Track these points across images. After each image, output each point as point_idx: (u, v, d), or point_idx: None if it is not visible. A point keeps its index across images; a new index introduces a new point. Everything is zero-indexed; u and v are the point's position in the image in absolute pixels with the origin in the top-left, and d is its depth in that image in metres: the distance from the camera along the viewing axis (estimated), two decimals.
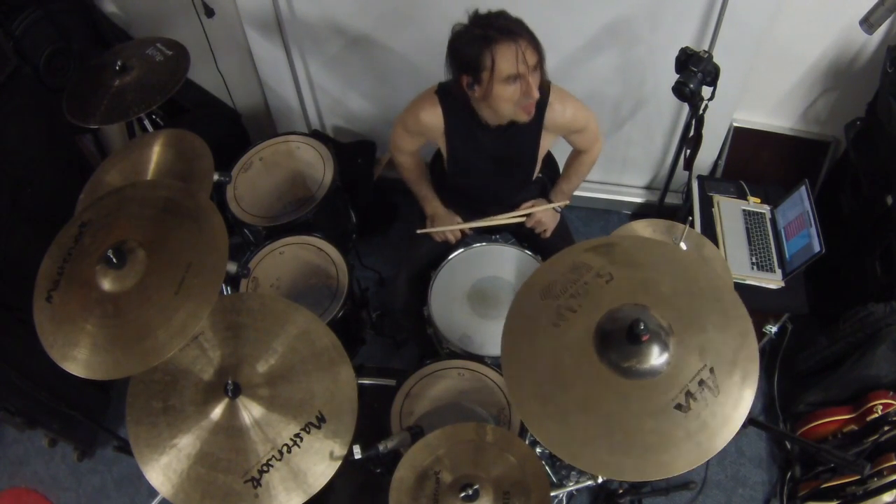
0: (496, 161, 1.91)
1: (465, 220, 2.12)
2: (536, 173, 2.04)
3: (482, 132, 1.83)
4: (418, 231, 2.10)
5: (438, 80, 2.56)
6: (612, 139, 2.73)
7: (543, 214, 2.09)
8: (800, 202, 2.30)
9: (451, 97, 1.78)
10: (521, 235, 2.24)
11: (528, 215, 2.09)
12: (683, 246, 1.85)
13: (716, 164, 2.75)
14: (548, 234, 2.11)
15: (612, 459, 1.15)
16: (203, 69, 2.67)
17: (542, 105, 1.77)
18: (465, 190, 2.07)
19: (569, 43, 2.36)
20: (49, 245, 1.47)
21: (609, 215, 3.04)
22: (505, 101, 1.65)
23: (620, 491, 2.13)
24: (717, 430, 1.14)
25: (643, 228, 1.92)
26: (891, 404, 2.01)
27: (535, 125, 1.81)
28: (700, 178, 2.57)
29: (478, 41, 1.57)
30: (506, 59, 1.56)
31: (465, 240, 2.18)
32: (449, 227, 2.08)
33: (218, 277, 1.36)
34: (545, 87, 1.76)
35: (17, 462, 2.51)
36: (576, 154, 2.05)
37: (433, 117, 1.83)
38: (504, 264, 2.05)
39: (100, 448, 2.52)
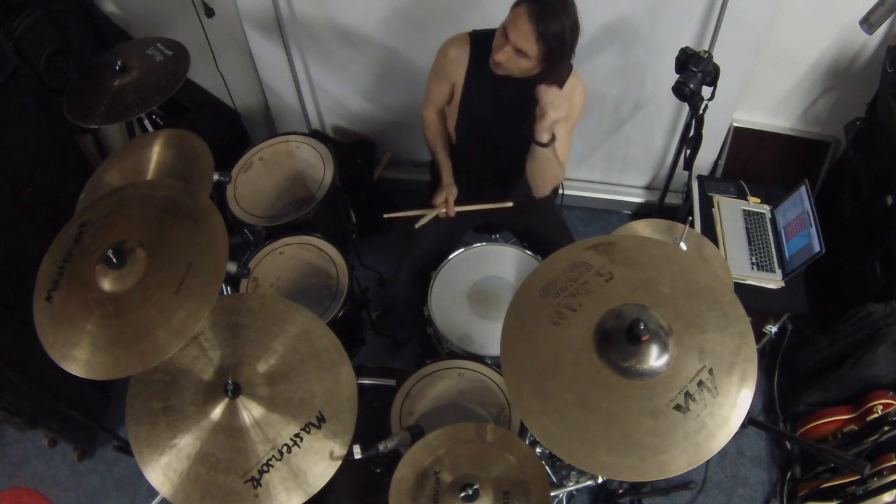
0: (503, 112, 1.95)
1: (463, 200, 2.10)
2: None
3: (500, 81, 1.87)
4: (385, 216, 2.12)
5: None
6: (612, 139, 2.74)
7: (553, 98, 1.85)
8: (800, 202, 2.30)
9: (481, 42, 1.89)
10: (521, 235, 2.24)
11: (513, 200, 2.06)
12: (683, 246, 1.85)
13: (716, 164, 2.75)
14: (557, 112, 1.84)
15: (611, 459, 1.15)
16: (203, 69, 2.67)
17: (564, 76, 1.88)
18: (469, 158, 2.09)
19: None
20: (49, 245, 1.47)
21: (609, 215, 3.04)
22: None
23: (620, 491, 2.13)
24: (716, 431, 1.14)
25: (643, 228, 1.92)
26: (891, 404, 2.01)
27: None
28: (700, 178, 2.57)
29: None
30: (515, 22, 1.69)
31: (465, 239, 2.18)
32: (414, 212, 2.06)
33: (218, 277, 1.36)
34: (568, 69, 1.90)
35: (17, 462, 2.51)
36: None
37: (461, 53, 1.93)
38: (504, 264, 2.06)
39: (100, 448, 2.52)
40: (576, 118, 1.95)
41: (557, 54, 1.72)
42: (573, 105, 1.90)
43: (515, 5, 1.72)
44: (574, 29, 1.71)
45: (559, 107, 1.74)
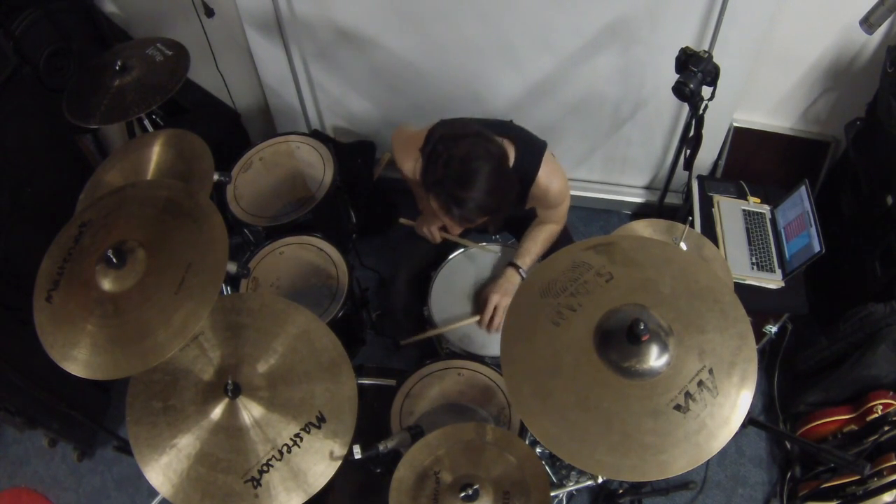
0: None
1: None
2: None
3: None
4: (400, 220, 2.13)
5: (438, 80, 2.57)
6: (612, 139, 2.73)
7: (501, 301, 1.91)
8: (800, 202, 2.30)
9: None
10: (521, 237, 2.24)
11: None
12: (683, 246, 1.85)
13: (716, 164, 2.75)
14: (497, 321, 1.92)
15: (611, 459, 1.15)
16: (203, 69, 2.67)
17: (528, 180, 1.79)
18: None
19: (569, 43, 2.36)
20: (49, 245, 1.47)
21: (609, 215, 3.04)
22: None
23: (620, 491, 2.13)
24: (716, 431, 1.14)
25: (643, 228, 1.92)
26: (891, 404, 2.01)
27: (519, 200, 1.84)
28: (700, 178, 2.57)
29: (426, 185, 1.61)
30: (438, 212, 1.64)
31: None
32: (428, 228, 2.06)
33: (218, 277, 1.36)
34: (536, 159, 1.78)
35: (17, 462, 2.51)
36: (539, 223, 2.02)
37: (414, 171, 1.80)
38: (504, 264, 2.05)
39: (100, 448, 2.52)
40: (561, 201, 1.90)
41: (495, 209, 1.61)
42: (554, 199, 1.85)
43: (427, 191, 1.62)
44: (496, 175, 1.56)
45: (508, 300, 1.83)
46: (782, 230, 2.36)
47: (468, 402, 1.74)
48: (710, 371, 1.18)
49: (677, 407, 1.16)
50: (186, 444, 1.33)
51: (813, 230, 2.19)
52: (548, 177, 1.79)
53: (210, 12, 2.43)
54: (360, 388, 1.48)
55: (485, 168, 1.55)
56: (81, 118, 1.97)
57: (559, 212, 1.96)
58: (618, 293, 1.29)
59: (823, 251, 2.11)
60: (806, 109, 2.56)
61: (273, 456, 1.32)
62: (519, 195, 1.78)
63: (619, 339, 1.21)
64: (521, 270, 1.93)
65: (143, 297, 1.35)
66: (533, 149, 1.79)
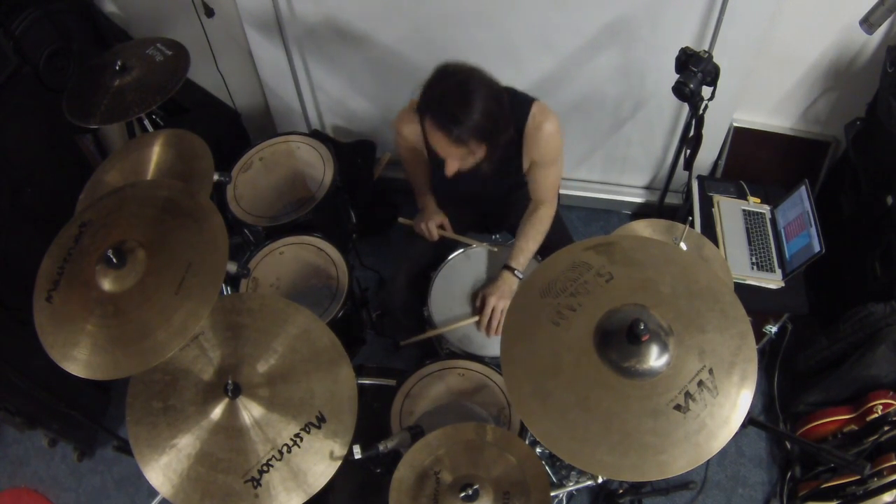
0: (482, 173, 1.87)
1: (457, 219, 2.12)
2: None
3: None
4: (399, 219, 2.17)
5: None
6: (612, 139, 2.74)
7: (498, 303, 1.90)
8: (800, 202, 2.30)
9: None
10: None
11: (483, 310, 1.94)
12: (683, 246, 1.85)
13: (716, 164, 2.75)
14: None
15: (611, 459, 1.15)
16: (203, 69, 2.67)
17: (521, 123, 1.80)
18: (460, 192, 2.07)
19: (569, 43, 2.36)
20: (49, 245, 1.47)
21: (609, 215, 3.04)
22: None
23: (620, 491, 2.13)
24: (716, 431, 1.14)
25: (643, 228, 1.92)
26: (891, 404, 2.01)
27: (514, 143, 1.83)
28: (700, 178, 2.57)
29: (424, 107, 1.65)
30: (433, 139, 1.68)
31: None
32: (426, 224, 2.07)
33: (218, 277, 1.36)
34: (527, 101, 1.81)
35: (17, 462, 2.52)
36: (532, 210, 2.01)
37: (413, 128, 1.84)
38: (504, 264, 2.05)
39: (100, 448, 2.52)
40: (554, 154, 1.88)
41: (491, 134, 1.65)
42: (546, 143, 1.83)
43: (421, 117, 1.67)
44: (493, 100, 1.62)
45: (506, 302, 1.85)
46: (782, 230, 2.36)
47: (468, 402, 1.74)
48: (710, 371, 1.18)
49: (677, 407, 1.16)
50: (186, 444, 1.33)
51: (813, 230, 2.19)
52: (540, 114, 1.81)
53: (210, 12, 2.43)
54: (360, 388, 1.48)
55: (481, 90, 1.62)
56: (81, 118, 1.97)
57: (554, 173, 1.93)
58: (618, 293, 1.29)
59: (823, 251, 2.11)
60: (806, 109, 2.56)
61: (273, 456, 1.32)
62: (515, 141, 1.81)
63: (619, 339, 1.21)
64: (516, 272, 1.93)
65: (143, 297, 1.35)
66: (523, 96, 1.83)
